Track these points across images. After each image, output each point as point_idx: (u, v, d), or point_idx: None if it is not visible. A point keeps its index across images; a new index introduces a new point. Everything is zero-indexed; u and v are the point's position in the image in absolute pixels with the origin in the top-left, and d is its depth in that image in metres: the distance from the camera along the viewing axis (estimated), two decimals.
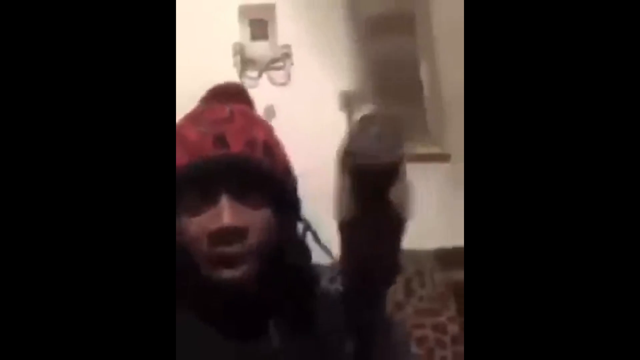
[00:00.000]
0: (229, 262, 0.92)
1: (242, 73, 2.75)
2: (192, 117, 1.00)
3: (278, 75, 2.80)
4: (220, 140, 0.94)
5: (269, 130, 1.02)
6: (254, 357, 0.94)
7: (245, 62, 2.74)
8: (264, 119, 1.05)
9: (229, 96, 1.04)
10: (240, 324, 0.94)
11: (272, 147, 0.99)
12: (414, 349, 2.07)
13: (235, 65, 2.71)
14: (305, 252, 0.99)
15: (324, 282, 1.02)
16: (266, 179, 0.94)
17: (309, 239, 1.00)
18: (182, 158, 0.94)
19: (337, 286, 0.95)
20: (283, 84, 2.79)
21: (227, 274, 0.92)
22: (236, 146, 0.94)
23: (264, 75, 2.75)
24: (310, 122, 2.64)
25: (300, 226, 0.99)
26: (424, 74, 2.95)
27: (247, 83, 2.61)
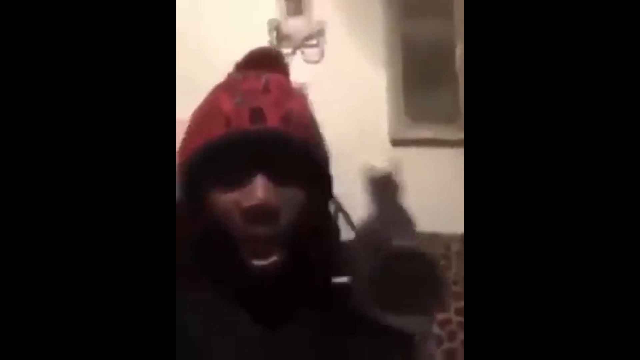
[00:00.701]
0: (260, 248, 0.91)
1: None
2: (226, 86, 0.98)
3: (312, 53, 2.80)
4: (257, 114, 0.93)
5: (303, 102, 1.00)
6: (280, 343, 0.93)
7: (280, 39, 2.75)
8: None
9: (264, 63, 1.01)
10: (268, 310, 0.93)
11: (305, 121, 0.97)
12: (436, 330, 2.09)
13: (270, 42, 2.71)
14: (336, 234, 0.98)
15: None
16: (300, 156, 0.93)
17: (340, 219, 0.99)
18: (217, 129, 0.92)
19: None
20: (316, 62, 2.79)
21: (257, 263, 0.91)
22: (272, 120, 0.92)
23: (297, 53, 2.76)
24: (342, 101, 2.64)
25: (332, 206, 0.98)
26: (459, 58, 2.94)
27: None
